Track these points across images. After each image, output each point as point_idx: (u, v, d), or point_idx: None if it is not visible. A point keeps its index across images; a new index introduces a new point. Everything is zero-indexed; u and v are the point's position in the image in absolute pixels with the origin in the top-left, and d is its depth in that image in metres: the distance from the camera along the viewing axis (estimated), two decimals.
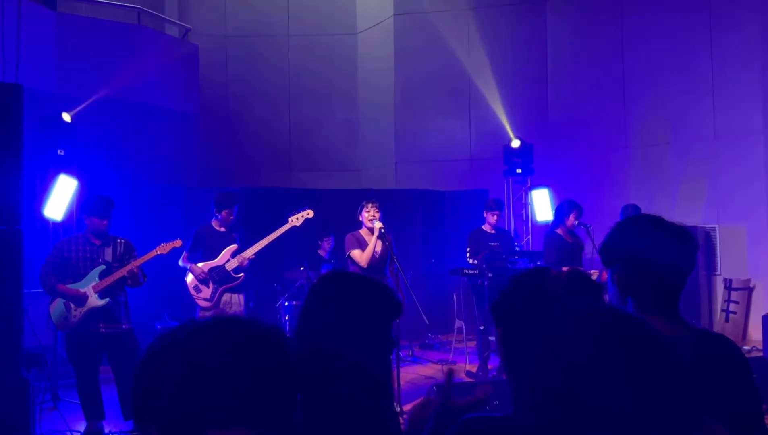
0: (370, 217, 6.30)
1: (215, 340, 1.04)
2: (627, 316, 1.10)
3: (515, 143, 10.19)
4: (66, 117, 7.79)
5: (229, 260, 6.39)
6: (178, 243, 6.10)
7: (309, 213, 6.63)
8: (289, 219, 6.58)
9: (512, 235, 9.11)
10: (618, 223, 1.96)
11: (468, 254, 7.74)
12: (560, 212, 7.47)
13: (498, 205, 7.98)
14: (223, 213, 6.47)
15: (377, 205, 6.39)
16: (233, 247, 6.48)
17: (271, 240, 6.42)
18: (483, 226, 7.94)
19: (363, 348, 1.91)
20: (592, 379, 0.99)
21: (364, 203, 6.44)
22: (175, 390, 1.00)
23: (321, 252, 9.18)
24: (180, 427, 1.00)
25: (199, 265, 6.37)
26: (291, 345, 1.09)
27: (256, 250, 6.40)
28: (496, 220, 7.92)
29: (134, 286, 5.60)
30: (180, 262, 6.43)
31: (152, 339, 1.10)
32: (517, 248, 9.45)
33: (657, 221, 1.94)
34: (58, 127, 7.73)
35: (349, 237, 6.41)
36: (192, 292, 6.40)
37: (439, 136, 12.01)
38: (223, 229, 6.53)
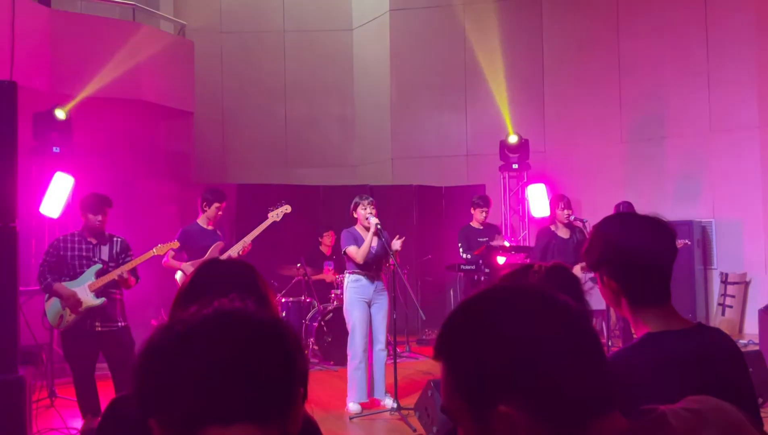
0: (367, 214, 6.27)
1: (214, 334, 1.01)
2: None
3: (513, 138, 10.20)
4: (60, 114, 7.77)
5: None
6: (175, 244, 6.09)
7: (287, 208, 6.64)
8: (269, 215, 6.60)
9: (500, 229, 9.17)
10: (595, 226, 1.98)
11: (461, 250, 7.80)
12: (552, 206, 7.64)
13: (485, 202, 8.06)
14: (213, 207, 6.48)
15: (372, 201, 6.36)
16: (219, 244, 6.49)
17: (254, 236, 6.45)
18: (471, 223, 8.01)
19: None
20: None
21: (357, 200, 6.37)
22: (174, 385, 0.98)
23: (323, 248, 9.18)
24: (179, 422, 0.98)
25: (188, 264, 6.37)
26: (293, 337, 1.08)
27: (239, 249, 6.43)
28: (485, 218, 7.99)
29: (125, 289, 5.60)
30: (165, 262, 6.39)
31: (149, 334, 1.08)
32: (512, 243, 9.47)
33: (631, 216, 1.97)
34: (53, 125, 7.72)
35: (344, 233, 6.38)
36: None
37: (436, 132, 12.00)
38: (210, 227, 6.54)
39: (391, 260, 6.25)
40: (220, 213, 6.56)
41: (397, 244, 6.26)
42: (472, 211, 8.00)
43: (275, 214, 6.60)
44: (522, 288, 1.12)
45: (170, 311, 1.70)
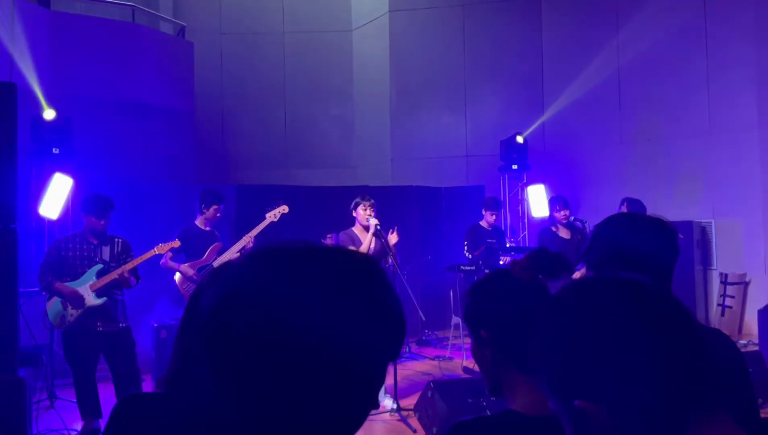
0: (367, 215, 6.27)
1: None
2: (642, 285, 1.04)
3: (520, 139, 10.23)
4: (49, 114, 7.75)
5: (215, 258, 6.41)
6: (176, 244, 6.10)
7: (284, 208, 6.66)
8: (267, 215, 6.63)
9: (505, 233, 9.20)
10: (596, 226, 1.98)
11: (465, 249, 7.81)
12: (549, 208, 7.68)
13: (497, 206, 8.12)
14: (212, 209, 6.50)
15: (373, 203, 6.36)
16: (218, 245, 6.52)
17: (252, 237, 6.47)
18: (480, 223, 8.02)
19: None
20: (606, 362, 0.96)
21: (358, 200, 6.37)
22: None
23: None
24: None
25: (186, 265, 6.39)
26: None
27: (240, 248, 6.44)
28: (494, 220, 8.03)
29: (126, 288, 5.60)
30: (162, 262, 6.41)
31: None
32: (512, 243, 9.49)
33: (633, 217, 1.98)
34: (52, 126, 7.71)
35: (343, 236, 6.37)
36: (183, 291, 6.42)
37: (435, 133, 12.01)
38: (208, 229, 6.57)
39: (390, 261, 6.25)
40: (218, 214, 6.59)
41: (393, 237, 6.24)
42: (484, 212, 8.04)
43: (272, 215, 6.62)
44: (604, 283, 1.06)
45: (185, 314, 1.69)
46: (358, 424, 0.89)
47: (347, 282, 0.86)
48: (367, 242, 6.20)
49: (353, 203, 6.38)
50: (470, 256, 7.72)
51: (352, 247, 6.15)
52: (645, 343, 0.94)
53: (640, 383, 0.93)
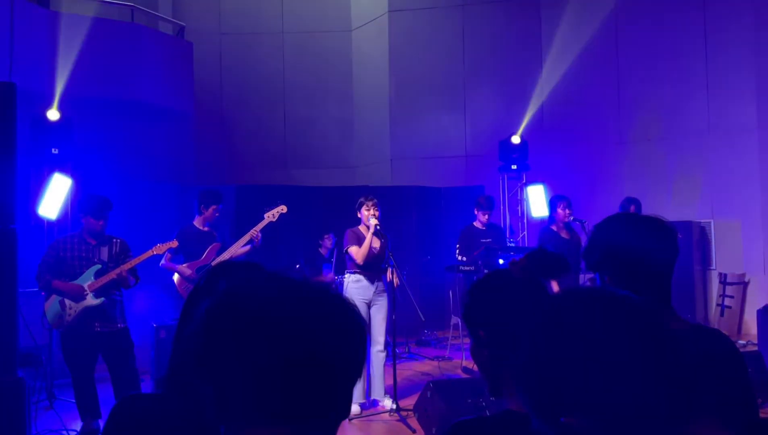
0: (369, 214, 6.29)
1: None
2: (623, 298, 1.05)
3: (515, 139, 10.21)
4: (53, 114, 7.76)
5: (214, 259, 6.43)
6: (174, 244, 6.11)
7: (283, 208, 6.70)
8: (265, 215, 6.66)
9: (503, 230, 9.14)
10: (596, 226, 1.98)
11: (457, 251, 7.79)
12: (551, 208, 7.61)
13: (490, 205, 7.98)
14: (211, 209, 6.53)
15: (375, 202, 6.37)
16: (216, 245, 6.54)
17: (250, 237, 6.50)
18: (474, 223, 7.99)
19: None
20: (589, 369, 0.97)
21: (362, 200, 6.40)
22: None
23: (322, 250, 9.18)
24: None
25: (184, 266, 6.40)
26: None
27: (239, 246, 6.47)
28: (488, 219, 7.96)
29: (124, 288, 5.60)
30: (162, 263, 6.43)
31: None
32: (512, 243, 9.48)
33: (633, 217, 1.98)
34: (51, 126, 7.71)
35: (348, 233, 6.41)
36: (182, 292, 6.43)
37: (434, 133, 12.01)
38: (206, 229, 6.59)
39: (390, 261, 6.26)
40: (217, 214, 6.62)
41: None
42: (476, 212, 7.98)
43: (271, 215, 6.64)
44: (586, 296, 1.08)
45: (182, 314, 1.69)
46: (340, 418, 0.98)
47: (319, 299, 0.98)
48: (368, 241, 6.24)
49: (357, 203, 6.43)
50: (462, 259, 7.70)
51: (355, 246, 6.24)
52: (633, 359, 0.96)
53: (628, 398, 0.94)
